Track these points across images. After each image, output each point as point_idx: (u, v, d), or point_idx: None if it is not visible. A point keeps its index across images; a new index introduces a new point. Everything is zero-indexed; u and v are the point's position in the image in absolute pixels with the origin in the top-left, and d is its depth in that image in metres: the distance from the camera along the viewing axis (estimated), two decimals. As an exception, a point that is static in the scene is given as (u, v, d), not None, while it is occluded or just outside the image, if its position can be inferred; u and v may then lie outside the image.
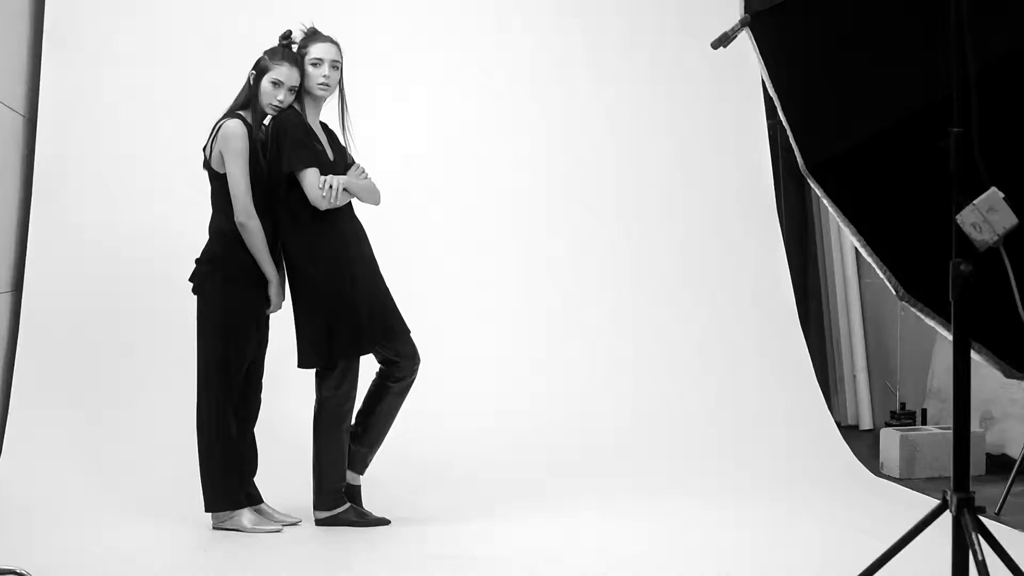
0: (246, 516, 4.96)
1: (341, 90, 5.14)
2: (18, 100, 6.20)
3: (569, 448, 6.23)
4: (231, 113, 4.94)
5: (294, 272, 5.03)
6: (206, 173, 4.98)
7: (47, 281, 6.14)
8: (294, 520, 5.07)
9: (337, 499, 5.04)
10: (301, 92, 5.02)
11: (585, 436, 6.34)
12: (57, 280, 6.15)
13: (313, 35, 5.06)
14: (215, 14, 6.61)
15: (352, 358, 5.03)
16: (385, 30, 6.83)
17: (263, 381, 5.13)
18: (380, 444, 5.16)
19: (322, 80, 5.00)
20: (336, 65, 5.05)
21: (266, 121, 4.99)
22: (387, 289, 5.12)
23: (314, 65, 4.99)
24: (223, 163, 4.88)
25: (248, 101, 4.95)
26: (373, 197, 5.17)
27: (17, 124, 6.17)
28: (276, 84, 4.91)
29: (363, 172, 5.13)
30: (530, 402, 6.49)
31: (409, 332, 5.12)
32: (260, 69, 4.93)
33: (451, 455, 5.93)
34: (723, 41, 3.57)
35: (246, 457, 5.06)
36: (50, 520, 5.09)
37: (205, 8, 6.64)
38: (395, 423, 5.15)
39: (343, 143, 5.20)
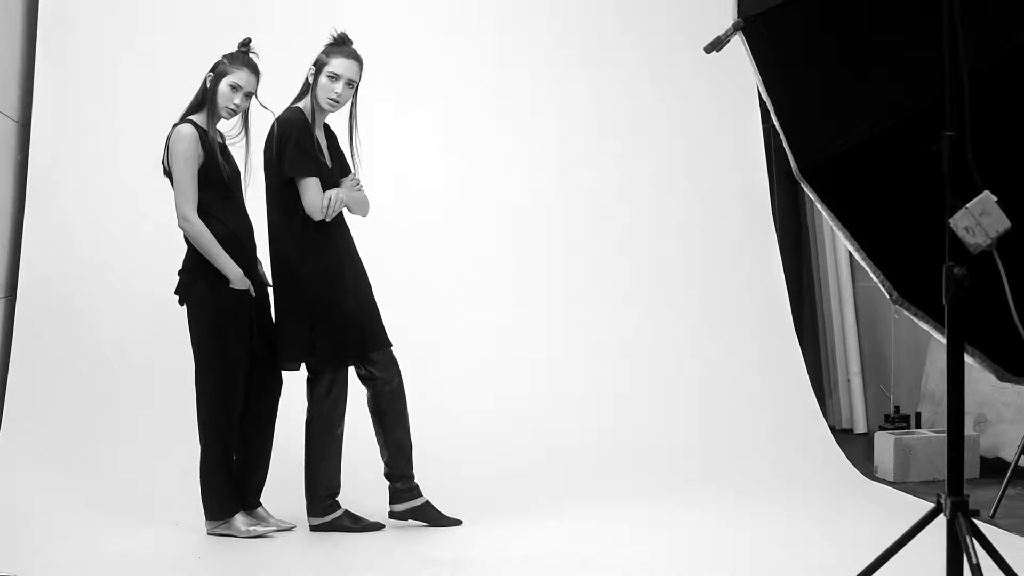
0: (239, 520, 4.95)
1: (353, 108, 5.12)
2: (11, 106, 6.20)
3: (564, 451, 6.23)
4: (183, 118, 4.96)
5: (282, 272, 5.02)
6: (168, 181, 4.99)
7: (41, 286, 6.13)
8: (289, 526, 5.06)
9: (330, 505, 5.04)
10: (312, 95, 5.00)
11: (579, 439, 6.33)
12: (51, 285, 6.14)
13: (340, 45, 5.00)
14: (209, 20, 6.60)
15: (336, 368, 5.03)
16: (382, 42, 6.83)
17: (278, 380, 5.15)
18: (410, 451, 5.13)
19: (333, 96, 4.96)
20: (352, 84, 5.00)
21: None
22: (373, 300, 5.11)
23: (330, 78, 4.95)
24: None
25: (202, 104, 4.97)
26: (363, 209, 5.17)
27: (11, 129, 6.17)
28: (234, 88, 4.93)
29: (358, 183, 5.13)
30: (525, 404, 6.49)
31: (390, 346, 5.12)
32: (218, 73, 4.94)
33: (446, 460, 5.92)
34: (716, 45, 3.57)
35: (251, 461, 5.06)
36: (45, 526, 5.07)
37: (199, 14, 6.63)
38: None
39: (343, 151, 5.19)
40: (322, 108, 5.01)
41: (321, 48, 5.02)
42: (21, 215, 6.21)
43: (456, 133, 6.93)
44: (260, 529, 4.95)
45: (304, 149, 4.92)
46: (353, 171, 5.16)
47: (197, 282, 4.92)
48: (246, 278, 4.93)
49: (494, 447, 6.20)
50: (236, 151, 5.13)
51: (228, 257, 4.89)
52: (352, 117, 5.15)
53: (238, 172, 5.08)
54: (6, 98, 6.12)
